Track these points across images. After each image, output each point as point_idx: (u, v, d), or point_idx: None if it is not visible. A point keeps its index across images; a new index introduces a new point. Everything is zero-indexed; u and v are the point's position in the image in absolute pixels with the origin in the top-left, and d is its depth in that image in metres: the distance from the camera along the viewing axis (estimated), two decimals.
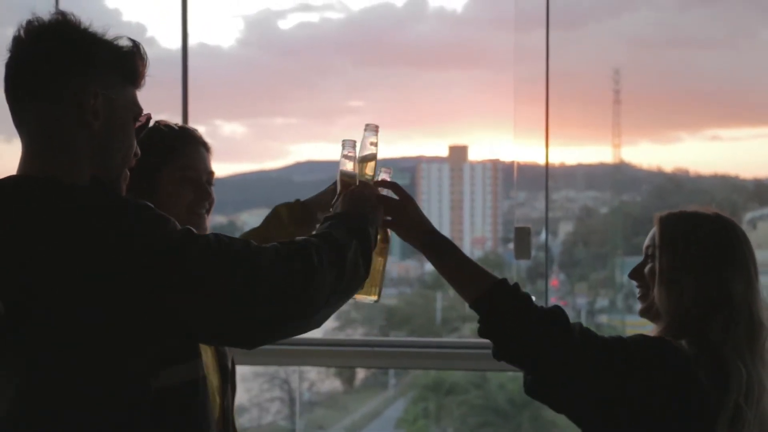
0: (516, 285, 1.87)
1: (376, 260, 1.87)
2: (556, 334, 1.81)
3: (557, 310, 1.84)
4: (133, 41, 1.59)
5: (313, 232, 1.69)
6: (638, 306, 1.98)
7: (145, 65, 1.61)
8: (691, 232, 1.89)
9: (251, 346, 1.57)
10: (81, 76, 1.51)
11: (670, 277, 1.87)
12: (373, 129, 1.91)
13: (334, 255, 1.59)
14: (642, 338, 1.86)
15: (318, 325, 1.61)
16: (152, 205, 1.51)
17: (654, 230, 1.94)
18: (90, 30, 1.55)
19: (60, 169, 1.49)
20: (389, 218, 1.91)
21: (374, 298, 1.92)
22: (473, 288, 1.89)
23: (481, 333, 1.87)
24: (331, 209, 1.84)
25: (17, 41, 1.53)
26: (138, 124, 1.60)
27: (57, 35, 1.52)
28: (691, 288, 1.84)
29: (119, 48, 1.57)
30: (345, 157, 1.91)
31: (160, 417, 1.50)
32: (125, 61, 1.57)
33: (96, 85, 1.51)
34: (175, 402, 1.55)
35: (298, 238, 1.61)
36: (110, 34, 1.58)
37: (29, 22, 1.53)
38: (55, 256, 1.39)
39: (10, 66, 1.53)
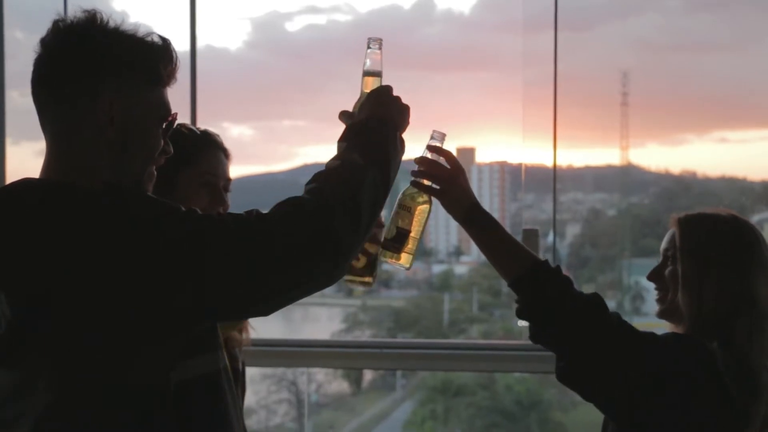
0: (558, 267, 1.85)
1: (415, 227, 1.84)
2: (594, 322, 1.79)
3: (597, 299, 1.82)
4: (163, 39, 1.57)
5: (328, 163, 1.60)
6: (656, 308, 1.95)
7: (174, 64, 1.58)
8: (712, 235, 1.87)
9: (267, 314, 1.55)
10: (98, 80, 1.49)
11: (693, 280, 1.84)
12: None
13: (347, 199, 1.51)
14: (674, 336, 1.84)
15: (344, 270, 1.53)
16: (156, 197, 1.50)
17: (672, 232, 1.91)
18: (117, 29, 1.53)
19: (78, 172, 1.50)
20: (437, 187, 1.87)
21: (406, 265, 1.86)
22: (514, 266, 1.86)
23: (519, 313, 1.84)
24: (354, 111, 1.74)
25: (43, 43, 1.53)
26: (166, 123, 1.58)
27: (78, 38, 1.51)
28: (713, 291, 1.82)
29: (144, 49, 1.54)
30: (370, 54, 1.77)
31: (182, 410, 1.50)
32: (149, 63, 1.54)
33: (113, 90, 1.50)
34: (197, 394, 1.55)
35: (308, 188, 1.54)
36: (141, 31, 1.54)
37: (56, 23, 1.52)
38: (58, 256, 1.40)
39: (35, 67, 1.53)
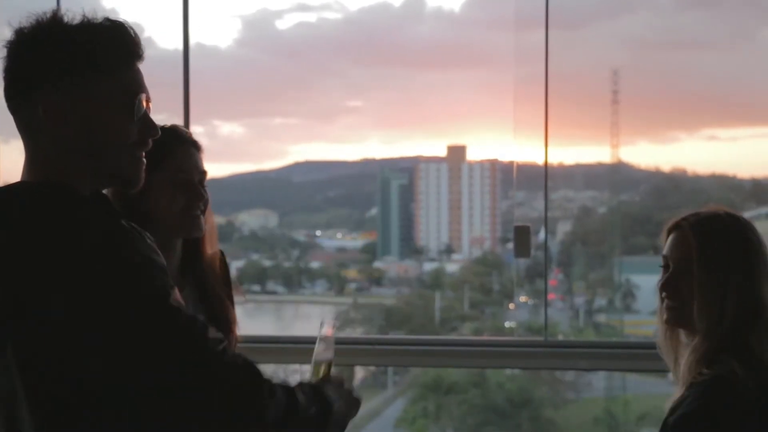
0: None
1: None
2: None
3: None
4: (112, 22, 1.54)
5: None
6: (664, 315, 1.92)
7: (129, 44, 1.54)
8: (726, 242, 1.85)
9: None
10: (41, 85, 1.49)
11: (713, 291, 1.82)
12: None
13: (288, 404, 1.55)
14: (704, 405, 1.78)
15: None
16: (132, 231, 1.48)
17: (673, 238, 1.89)
18: (67, 26, 1.51)
19: (55, 174, 1.50)
20: None
21: None
22: None
23: None
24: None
25: (3, 53, 1.54)
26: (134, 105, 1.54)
27: (24, 46, 1.52)
28: (734, 300, 1.81)
29: (91, 41, 1.51)
30: (322, 339, 1.84)
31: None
32: (95, 54, 1.51)
33: (58, 91, 1.49)
34: None
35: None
36: (94, 21, 1.52)
37: (16, 32, 1.53)
38: (57, 256, 1.40)
39: (3, 77, 1.55)
